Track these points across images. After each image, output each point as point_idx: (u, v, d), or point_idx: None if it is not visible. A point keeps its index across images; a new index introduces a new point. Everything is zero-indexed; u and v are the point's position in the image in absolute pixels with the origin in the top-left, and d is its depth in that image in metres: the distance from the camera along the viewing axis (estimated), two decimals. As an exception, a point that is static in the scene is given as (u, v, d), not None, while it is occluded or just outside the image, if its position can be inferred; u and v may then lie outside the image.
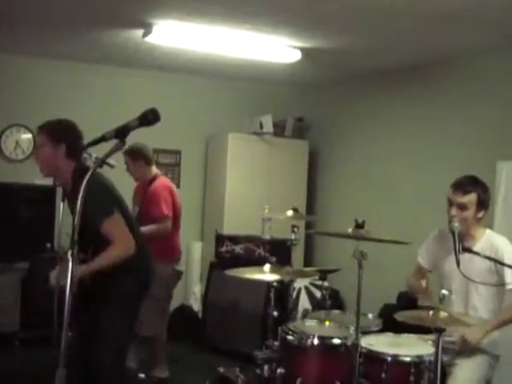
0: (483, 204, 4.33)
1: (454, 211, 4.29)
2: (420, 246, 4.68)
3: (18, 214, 7.58)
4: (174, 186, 6.52)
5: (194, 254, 8.75)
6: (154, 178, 6.36)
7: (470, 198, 4.28)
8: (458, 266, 3.82)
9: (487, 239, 4.34)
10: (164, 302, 6.36)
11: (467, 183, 4.34)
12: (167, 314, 6.64)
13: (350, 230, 4.04)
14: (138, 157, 6.31)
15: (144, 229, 5.72)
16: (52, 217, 7.42)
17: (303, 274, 5.90)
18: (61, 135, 4.30)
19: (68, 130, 4.38)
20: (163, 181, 6.42)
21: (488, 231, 4.43)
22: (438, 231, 4.58)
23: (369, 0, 5.22)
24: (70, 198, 4.34)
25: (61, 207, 6.37)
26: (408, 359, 3.97)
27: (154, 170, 6.47)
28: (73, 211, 4.22)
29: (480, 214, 4.34)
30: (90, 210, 3.56)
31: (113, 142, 2.78)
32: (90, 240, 3.97)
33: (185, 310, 8.42)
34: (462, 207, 4.27)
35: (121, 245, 4.14)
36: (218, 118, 8.90)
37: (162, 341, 6.41)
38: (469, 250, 4.00)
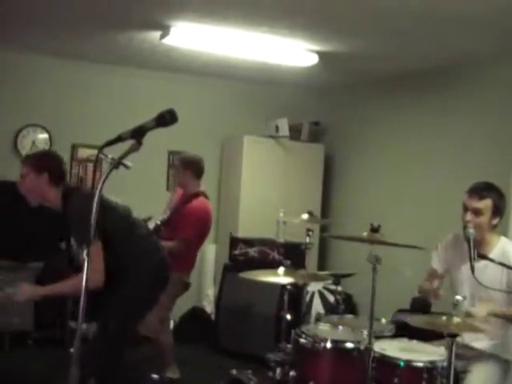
0: (498, 210, 4.31)
1: (468, 216, 4.27)
2: (433, 251, 4.66)
3: (33, 214, 7.59)
4: (211, 209, 6.48)
5: (208, 256, 8.76)
6: (197, 195, 6.34)
7: (486, 204, 4.26)
8: (473, 272, 3.82)
9: (501, 246, 4.31)
10: (168, 310, 6.35)
11: (483, 188, 4.32)
12: (169, 321, 6.66)
13: (364, 234, 4.04)
14: (187, 167, 6.34)
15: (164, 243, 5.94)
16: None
17: (317, 278, 5.91)
18: (43, 164, 4.43)
19: (49, 159, 4.57)
20: (204, 203, 6.38)
21: (503, 238, 4.40)
22: (453, 236, 4.57)
23: (385, 5, 5.22)
24: None
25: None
26: (421, 364, 3.96)
27: (201, 186, 6.47)
28: None
29: (495, 221, 4.31)
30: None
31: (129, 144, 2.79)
32: None
33: (198, 312, 8.42)
34: (477, 212, 4.25)
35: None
36: (233, 121, 8.91)
37: (168, 344, 6.37)
38: (484, 257, 3.99)
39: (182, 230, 6.12)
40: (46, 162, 4.45)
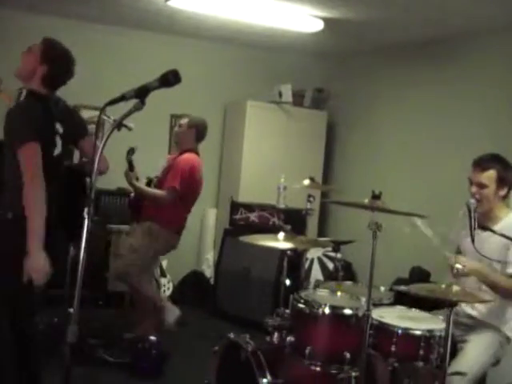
0: (504, 181, 4.29)
1: (473, 189, 4.27)
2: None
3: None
4: (199, 164, 6.44)
5: (209, 220, 8.77)
6: (188, 150, 6.37)
7: (489, 175, 4.25)
8: (473, 242, 3.82)
9: (509, 220, 4.29)
10: (152, 258, 6.48)
11: (486, 160, 4.31)
12: (150, 276, 6.77)
13: (366, 201, 4.03)
14: (193, 125, 6.38)
15: (148, 190, 6.24)
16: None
17: (317, 244, 5.90)
18: (49, 57, 4.25)
19: (59, 58, 4.32)
20: (191, 157, 6.36)
21: None
22: (461, 213, 4.57)
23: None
24: None
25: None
26: (418, 333, 3.96)
27: (197, 147, 6.50)
28: None
29: (502, 192, 4.30)
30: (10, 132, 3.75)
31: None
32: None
33: (197, 275, 8.45)
34: (481, 185, 4.25)
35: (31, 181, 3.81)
36: (236, 86, 8.87)
37: (145, 296, 6.42)
38: (486, 228, 3.98)
39: (168, 182, 6.19)
40: (53, 57, 4.28)
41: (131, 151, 6.10)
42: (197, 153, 6.43)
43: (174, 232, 6.33)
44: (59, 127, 4.14)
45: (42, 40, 4.31)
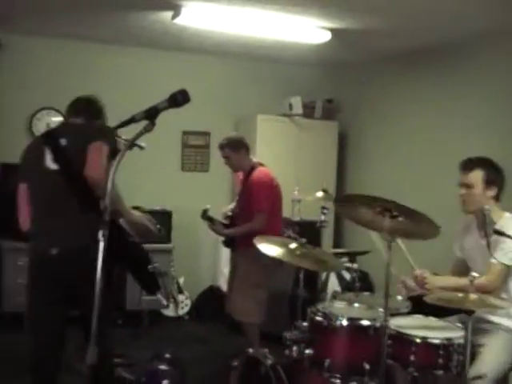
0: (491, 181, 4.31)
1: (461, 191, 4.34)
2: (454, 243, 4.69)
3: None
4: (269, 172, 6.32)
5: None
6: (253, 168, 6.25)
7: (475, 176, 4.32)
8: (489, 248, 3.82)
9: (502, 223, 4.23)
10: (262, 289, 6.22)
11: (470, 161, 4.40)
12: (264, 301, 6.32)
13: (379, 212, 4.02)
14: (239, 147, 6.23)
15: (239, 229, 6.17)
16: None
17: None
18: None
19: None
20: (263, 172, 6.26)
21: (507, 214, 4.36)
22: (463, 219, 4.60)
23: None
24: None
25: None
26: (437, 341, 3.94)
27: (253, 158, 6.40)
28: None
29: (490, 193, 4.31)
30: None
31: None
32: None
33: (214, 290, 8.45)
34: (468, 186, 4.33)
35: None
36: (247, 100, 8.90)
37: (254, 326, 6.32)
38: (499, 233, 3.97)
39: (253, 206, 6.10)
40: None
41: (205, 211, 6.24)
42: (259, 164, 6.34)
43: None
44: (63, 141, 4.25)
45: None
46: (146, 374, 5.66)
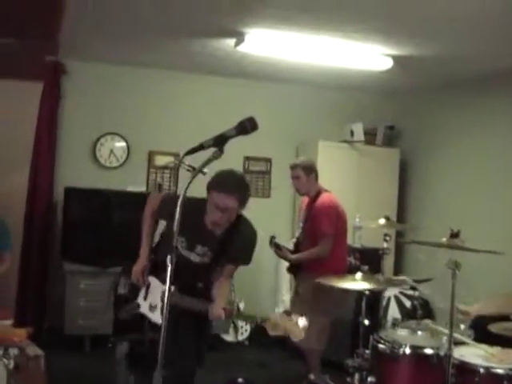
0: None
1: None
2: None
3: (112, 220, 7.70)
4: (335, 199, 6.36)
5: (284, 261, 8.76)
6: (318, 193, 6.30)
7: None
8: None
9: None
10: (325, 315, 6.16)
11: None
12: (327, 327, 6.28)
13: (444, 240, 4.02)
14: (311, 170, 6.32)
15: (304, 254, 6.18)
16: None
17: (395, 284, 5.86)
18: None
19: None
20: (328, 197, 6.31)
21: None
22: None
23: (460, 6, 5.15)
24: None
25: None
26: (501, 371, 3.90)
27: (319, 185, 6.43)
28: None
29: None
30: None
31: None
32: None
33: (274, 317, 8.44)
34: None
35: None
36: (308, 126, 8.92)
37: (316, 352, 6.30)
38: None
39: (318, 230, 6.12)
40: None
41: (273, 238, 6.31)
42: (325, 190, 6.38)
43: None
44: None
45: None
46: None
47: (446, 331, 4.36)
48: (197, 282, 4.32)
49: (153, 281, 4.42)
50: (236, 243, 4.31)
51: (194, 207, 4.10)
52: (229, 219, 4.25)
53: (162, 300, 4.23)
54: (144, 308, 4.47)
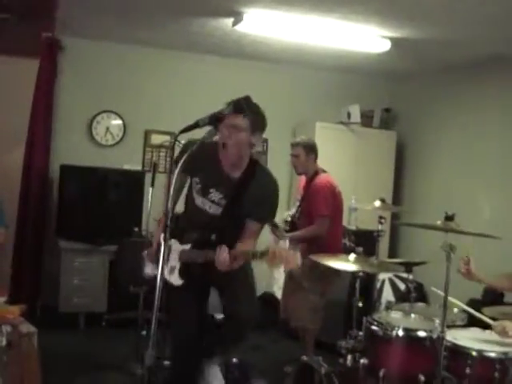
0: None
1: None
2: None
3: (107, 198, 7.71)
4: (333, 180, 6.35)
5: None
6: (316, 174, 6.29)
7: None
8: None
9: None
10: (319, 295, 6.22)
11: None
12: (321, 308, 6.32)
13: (439, 222, 4.01)
14: (312, 150, 6.30)
15: (300, 232, 6.14)
16: (140, 201, 7.49)
17: (389, 267, 5.85)
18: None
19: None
20: (325, 178, 6.30)
21: None
22: None
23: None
24: None
25: (150, 192, 6.51)
26: (494, 355, 3.91)
27: (317, 165, 6.41)
28: None
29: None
30: None
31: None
32: None
33: (268, 297, 8.45)
34: None
35: None
36: (305, 108, 8.90)
37: (310, 332, 6.30)
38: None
39: (315, 210, 6.12)
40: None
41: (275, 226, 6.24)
42: (323, 170, 6.37)
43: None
44: None
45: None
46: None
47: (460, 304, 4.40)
48: (211, 234, 4.28)
49: (174, 243, 4.38)
50: (252, 190, 4.24)
51: (211, 148, 4.01)
52: (239, 151, 4.16)
53: (179, 261, 4.33)
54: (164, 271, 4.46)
